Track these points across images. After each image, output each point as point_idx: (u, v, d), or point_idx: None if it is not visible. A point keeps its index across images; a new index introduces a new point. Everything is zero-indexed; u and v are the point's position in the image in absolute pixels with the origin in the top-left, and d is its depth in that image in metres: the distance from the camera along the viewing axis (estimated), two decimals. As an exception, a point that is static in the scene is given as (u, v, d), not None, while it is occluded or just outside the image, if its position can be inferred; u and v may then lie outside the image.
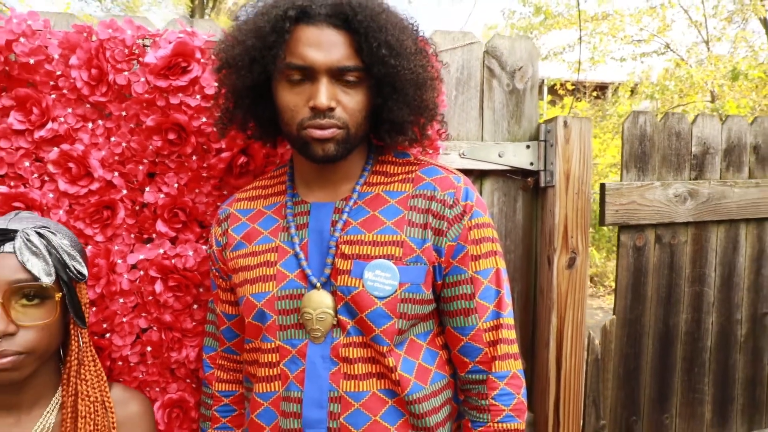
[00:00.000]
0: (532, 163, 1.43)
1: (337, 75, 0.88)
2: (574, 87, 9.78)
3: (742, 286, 1.64)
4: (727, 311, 1.64)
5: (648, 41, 8.33)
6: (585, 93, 11.06)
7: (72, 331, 0.92)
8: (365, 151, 1.02)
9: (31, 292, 0.86)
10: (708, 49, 7.83)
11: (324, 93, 0.87)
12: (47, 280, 0.86)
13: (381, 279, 0.90)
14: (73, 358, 0.92)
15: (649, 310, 1.54)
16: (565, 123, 1.38)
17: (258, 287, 0.97)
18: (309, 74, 0.88)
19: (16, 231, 0.87)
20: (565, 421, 1.41)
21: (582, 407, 1.45)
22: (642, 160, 1.48)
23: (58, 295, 0.88)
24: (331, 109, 0.88)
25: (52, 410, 0.93)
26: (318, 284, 0.93)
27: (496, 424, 0.91)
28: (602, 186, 1.43)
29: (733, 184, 1.55)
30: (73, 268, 0.91)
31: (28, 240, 0.87)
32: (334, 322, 0.92)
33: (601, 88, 11.13)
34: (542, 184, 1.42)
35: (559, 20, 8.26)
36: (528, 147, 1.42)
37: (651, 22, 8.10)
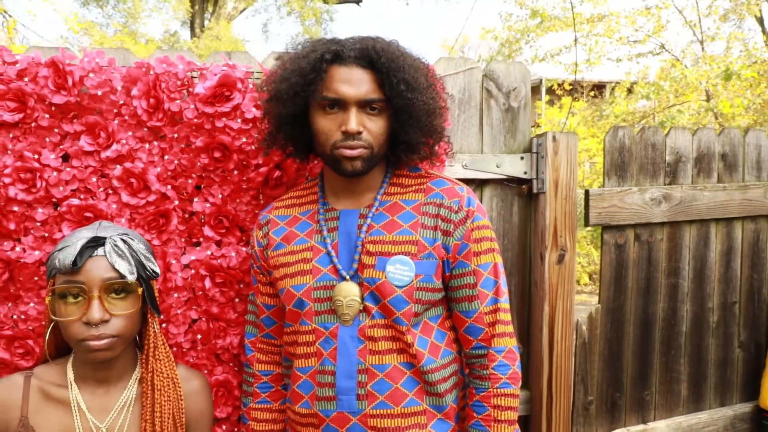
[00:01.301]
0: (525, 173, 1.63)
1: (363, 105, 1.09)
2: (572, 87, 9.96)
3: (713, 278, 1.85)
4: (700, 300, 1.84)
5: (643, 42, 8.46)
6: (583, 93, 11.24)
7: (149, 319, 1.13)
8: (384, 166, 1.23)
9: (119, 287, 1.05)
10: (702, 48, 7.98)
11: (353, 120, 1.08)
12: (131, 277, 1.06)
13: (400, 271, 1.11)
14: (150, 341, 1.13)
15: (630, 300, 1.74)
16: (554, 138, 1.58)
17: (297, 280, 1.17)
18: (341, 105, 1.09)
19: (105, 238, 1.07)
20: (557, 397, 1.62)
21: (572, 385, 1.65)
22: (622, 169, 1.69)
23: (139, 290, 1.08)
24: (359, 133, 1.09)
25: (133, 384, 1.13)
26: (347, 276, 1.13)
27: (495, 390, 1.12)
28: (586, 192, 1.64)
29: (703, 188, 1.76)
30: (149, 268, 1.11)
31: (116, 245, 1.07)
32: (361, 308, 1.12)
33: (599, 87, 11.31)
34: (535, 191, 1.63)
35: (556, 23, 8.40)
36: (522, 158, 1.63)
37: (646, 22, 8.24)
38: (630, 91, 8.29)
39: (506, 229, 1.67)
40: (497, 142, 1.65)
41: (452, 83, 1.62)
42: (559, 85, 9.46)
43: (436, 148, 1.24)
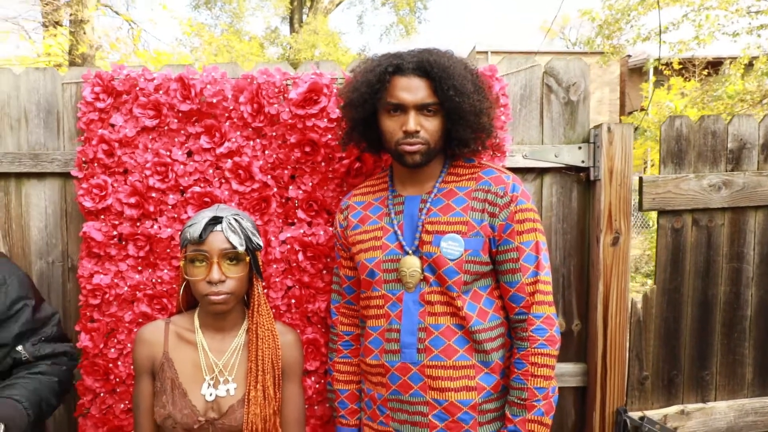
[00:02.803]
0: (583, 161, 1.76)
1: (420, 108, 1.31)
2: (681, 66, 9.35)
3: (783, 263, 1.86)
4: (767, 285, 1.86)
5: (767, 12, 7.77)
6: (694, 72, 10.49)
7: (254, 282, 1.42)
8: (442, 158, 1.43)
9: (232, 255, 1.35)
10: None
11: (412, 121, 1.30)
12: (241, 248, 1.35)
13: (452, 247, 1.32)
14: (255, 300, 1.42)
15: (688, 282, 1.81)
16: (609, 129, 1.70)
17: (369, 254, 1.42)
18: (402, 108, 1.31)
19: (222, 217, 1.37)
20: (611, 370, 1.74)
21: (626, 360, 1.77)
22: (678, 157, 1.76)
23: (247, 259, 1.38)
24: (417, 132, 1.31)
25: (242, 333, 1.43)
26: (410, 251, 1.36)
27: (533, 349, 1.30)
28: (640, 179, 1.73)
29: (770, 174, 1.78)
30: (255, 242, 1.40)
31: (230, 223, 1.37)
32: (421, 277, 1.35)
33: (714, 65, 10.50)
34: (591, 178, 1.75)
35: (660, -1, 7.95)
36: (580, 148, 1.76)
37: (773, -11, 7.54)
38: (751, 65, 7.62)
39: (565, 214, 1.81)
40: (557, 133, 1.78)
41: (514, 80, 1.78)
42: (664, 65, 8.94)
43: (487, 143, 1.42)
